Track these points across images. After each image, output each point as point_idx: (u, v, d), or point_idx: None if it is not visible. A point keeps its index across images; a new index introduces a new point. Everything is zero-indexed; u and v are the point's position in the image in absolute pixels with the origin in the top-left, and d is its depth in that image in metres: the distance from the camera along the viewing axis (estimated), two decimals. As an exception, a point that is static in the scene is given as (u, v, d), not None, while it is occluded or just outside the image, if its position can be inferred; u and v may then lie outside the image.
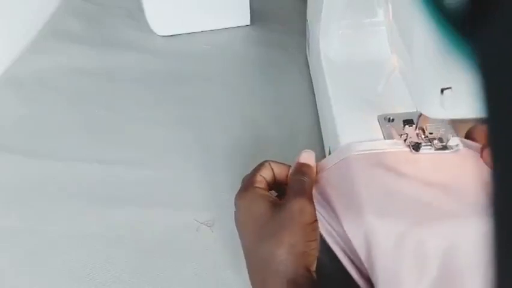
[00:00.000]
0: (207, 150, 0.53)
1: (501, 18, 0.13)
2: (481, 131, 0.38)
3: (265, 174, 0.38)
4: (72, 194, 0.49)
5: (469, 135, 0.39)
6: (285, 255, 0.32)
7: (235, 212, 0.38)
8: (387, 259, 0.32)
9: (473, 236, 0.31)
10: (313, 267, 0.34)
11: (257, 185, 0.37)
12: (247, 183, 0.37)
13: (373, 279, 0.33)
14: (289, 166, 0.39)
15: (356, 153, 0.38)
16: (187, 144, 0.53)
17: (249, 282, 0.35)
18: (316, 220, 0.35)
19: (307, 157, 0.38)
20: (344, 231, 0.34)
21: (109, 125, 0.56)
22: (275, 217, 0.34)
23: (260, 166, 0.38)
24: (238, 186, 0.39)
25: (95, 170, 0.51)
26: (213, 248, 0.44)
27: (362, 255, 0.34)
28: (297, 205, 0.34)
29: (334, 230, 0.36)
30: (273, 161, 0.39)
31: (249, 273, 0.35)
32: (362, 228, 0.33)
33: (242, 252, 0.36)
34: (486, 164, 0.36)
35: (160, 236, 0.45)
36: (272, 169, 0.38)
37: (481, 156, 0.37)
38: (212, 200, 0.47)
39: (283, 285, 0.32)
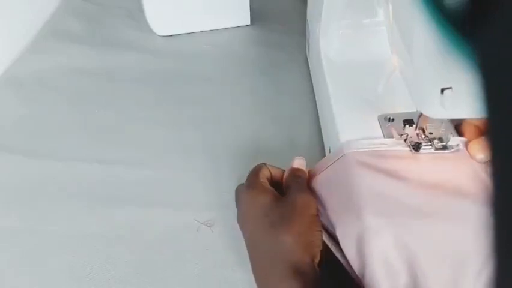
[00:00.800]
0: (207, 150, 0.53)
1: (501, 18, 0.13)
2: (467, 126, 0.38)
3: (266, 173, 0.40)
4: (72, 194, 0.49)
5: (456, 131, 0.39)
6: (292, 242, 0.33)
7: (238, 207, 0.39)
8: (383, 257, 0.32)
9: (472, 235, 0.31)
10: (317, 260, 0.34)
11: (261, 179, 0.38)
12: (252, 179, 0.39)
13: (365, 280, 0.33)
14: (284, 170, 0.41)
15: (355, 151, 0.38)
16: (187, 144, 0.53)
17: (249, 282, 0.35)
18: (318, 214, 0.36)
19: (300, 163, 0.40)
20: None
21: (109, 125, 0.56)
22: (280, 208, 0.35)
23: (259, 167, 0.40)
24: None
25: (95, 170, 0.51)
26: (213, 248, 0.43)
27: (351, 256, 0.33)
28: (301, 199, 0.36)
29: (330, 231, 0.36)
30: (269, 165, 0.41)
31: (251, 263, 0.36)
32: (355, 229, 0.33)
33: (242, 252, 0.36)
34: (472, 157, 0.36)
35: (160, 236, 0.45)
36: (269, 170, 0.40)
37: (466, 150, 0.37)
38: (212, 200, 0.47)
39: (288, 272, 0.32)
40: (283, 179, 0.40)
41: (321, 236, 0.35)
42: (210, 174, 0.50)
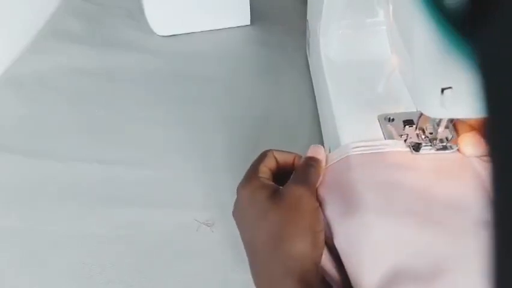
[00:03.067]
0: (207, 150, 0.53)
1: (501, 18, 0.13)
2: (462, 125, 0.38)
3: (269, 164, 0.37)
4: (72, 194, 0.49)
5: None
6: (297, 253, 0.31)
7: (235, 203, 0.37)
8: (381, 258, 0.32)
9: (472, 235, 0.31)
10: (319, 263, 0.33)
11: (261, 174, 0.36)
12: (251, 173, 0.36)
13: (352, 277, 0.33)
14: (295, 154, 0.38)
15: (356, 153, 0.38)
16: (187, 144, 0.53)
17: (250, 282, 0.35)
18: (318, 208, 0.34)
19: (315, 151, 0.38)
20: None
21: (109, 125, 0.56)
22: (277, 210, 0.33)
23: (263, 156, 0.37)
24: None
25: (95, 170, 0.51)
26: (213, 248, 0.44)
27: (344, 254, 0.33)
28: (293, 194, 0.33)
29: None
30: (276, 150, 0.38)
31: (253, 271, 0.34)
32: (353, 228, 0.33)
33: (242, 252, 0.36)
34: (462, 152, 0.36)
35: (160, 236, 0.45)
36: (276, 158, 0.37)
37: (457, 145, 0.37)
38: (212, 200, 0.47)
39: (293, 283, 0.31)
40: (295, 166, 0.37)
41: (323, 236, 0.33)
42: (210, 174, 0.50)
